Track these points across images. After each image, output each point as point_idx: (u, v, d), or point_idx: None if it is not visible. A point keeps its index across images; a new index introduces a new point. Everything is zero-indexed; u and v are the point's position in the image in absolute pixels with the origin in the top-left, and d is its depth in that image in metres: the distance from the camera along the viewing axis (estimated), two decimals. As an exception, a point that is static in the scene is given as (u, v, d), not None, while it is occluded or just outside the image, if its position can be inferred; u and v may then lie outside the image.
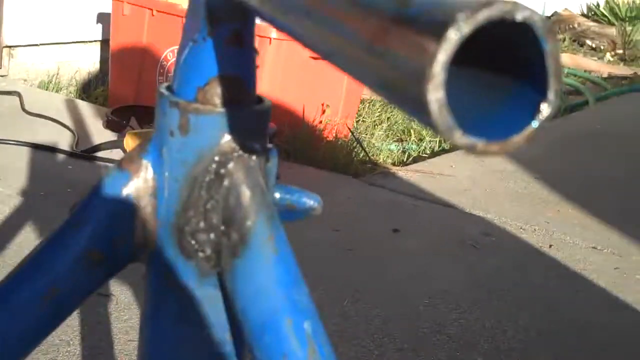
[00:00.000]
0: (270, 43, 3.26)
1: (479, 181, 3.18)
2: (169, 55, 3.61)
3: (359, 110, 3.97)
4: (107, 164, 2.85)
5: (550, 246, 2.56)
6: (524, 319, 2.07)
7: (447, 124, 0.31)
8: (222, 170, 0.65)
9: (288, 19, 0.46)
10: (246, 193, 0.64)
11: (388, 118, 4.12)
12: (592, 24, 7.58)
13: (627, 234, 2.70)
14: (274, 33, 3.24)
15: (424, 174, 3.19)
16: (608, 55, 6.87)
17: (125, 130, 3.19)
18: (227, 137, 0.65)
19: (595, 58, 6.57)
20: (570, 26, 7.52)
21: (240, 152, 0.65)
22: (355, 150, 3.48)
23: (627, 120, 4.45)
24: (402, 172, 3.23)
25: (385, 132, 3.91)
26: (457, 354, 1.89)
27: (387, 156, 3.59)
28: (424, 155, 3.70)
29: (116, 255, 0.68)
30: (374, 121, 4.02)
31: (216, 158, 0.65)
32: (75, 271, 0.67)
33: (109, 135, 3.15)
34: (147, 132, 3.00)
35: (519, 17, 0.29)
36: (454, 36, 0.29)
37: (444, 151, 3.74)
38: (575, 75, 5.61)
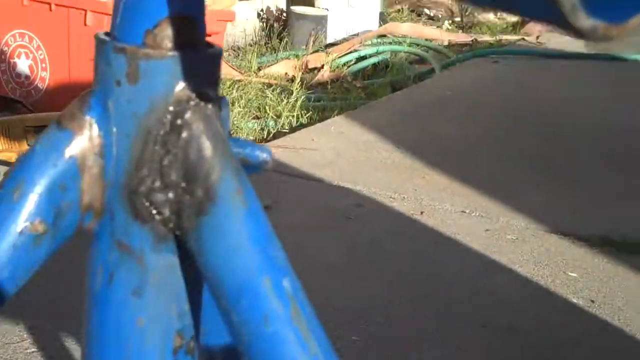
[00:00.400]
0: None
1: (343, 153, 3.18)
2: (10, 39, 3.42)
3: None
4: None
5: (422, 213, 2.60)
6: (407, 286, 2.08)
7: (571, 3, 0.28)
8: (179, 121, 0.59)
9: None
10: (208, 145, 0.58)
11: (241, 97, 4.06)
12: (428, -7, 7.77)
13: (492, 197, 2.77)
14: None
15: (287, 149, 3.16)
16: (446, 24, 7.06)
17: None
18: (181, 84, 0.59)
19: (435, 27, 6.73)
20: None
21: (197, 100, 0.59)
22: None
23: (474, 86, 4.58)
24: (265, 149, 3.18)
25: (243, 109, 3.86)
26: (346, 326, 1.87)
27: (248, 134, 3.54)
28: (283, 130, 3.68)
29: (61, 224, 0.61)
30: (232, 99, 3.95)
31: (170, 108, 0.59)
32: (17, 247, 0.59)
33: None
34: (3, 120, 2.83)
35: None
36: None
37: (302, 126, 3.73)
38: (418, 45, 5.72)
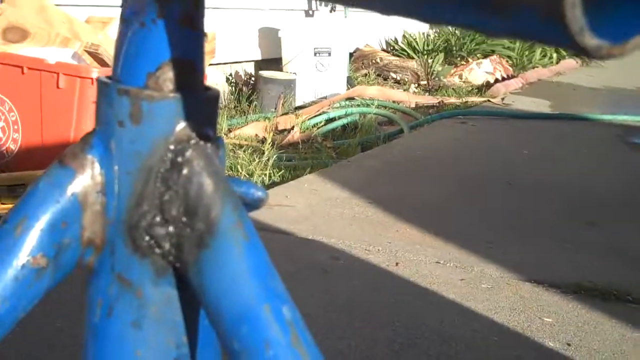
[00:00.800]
0: (92, 84, 3.17)
1: (317, 209, 3.21)
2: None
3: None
4: None
5: (397, 264, 2.62)
6: (385, 336, 2.09)
7: (580, 24, 0.31)
8: (180, 159, 0.61)
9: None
10: (209, 181, 0.61)
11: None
12: (393, 58, 7.90)
13: (465, 248, 2.80)
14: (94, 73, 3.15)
15: (262, 207, 3.18)
16: (413, 87, 7.17)
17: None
18: (182, 124, 0.62)
19: (401, 90, 6.84)
20: (373, 61, 7.80)
21: (197, 139, 0.62)
22: (189, 188, 3.42)
23: (443, 145, 4.65)
24: (239, 206, 3.21)
25: (215, 169, 3.88)
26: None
27: (221, 192, 3.56)
28: (256, 189, 3.70)
29: (62, 259, 0.63)
30: (203, 159, 3.97)
31: (172, 147, 0.62)
32: (18, 280, 0.61)
33: None
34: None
35: None
36: None
37: (274, 184, 3.76)
38: (386, 107, 5.81)
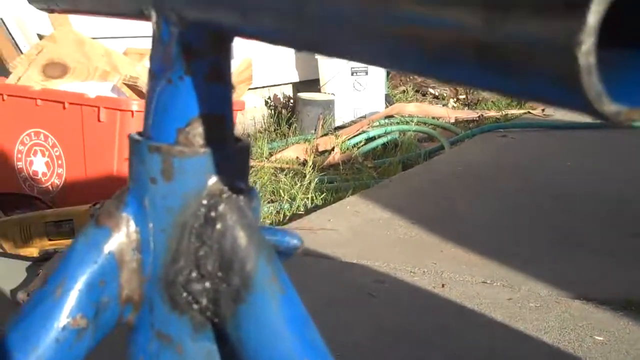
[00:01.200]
0: (133, 116, 3.19)
1: (360, 232, 3.20)
2: (26, 138, 3.48)
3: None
4: (-23, 255, 2.70)
5: (443, 286, 2.60)
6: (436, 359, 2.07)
7: (597, 90, 0.30)
8: (213, 214, 0.61)
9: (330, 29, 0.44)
10: (242, 234, 0.61)
11: (255, 182, 4.10)
12: (432, 74, 7.86)
13: (512, 267, 2.77)
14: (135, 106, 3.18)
15: (305, 230, 3.18)
16: (451, 102, 7.13)
17: (-11, 219, 3.04)
18: (213, 179, 0.62)
19: (440, 105, 6.81)
20: (411, 77, 7.78)
21: (229, 192, 0.62)
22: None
23: (484, 160, 4.62)
24: (282, 232, 3.21)
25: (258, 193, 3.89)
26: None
27: (264, 217, 3.57)
28: (299, 212, 3.70)
29: (102, 319, 0.63)
30: (245, 185, 3.98)
31: (204, 202, 0.62)
32: (59, 341, 0.61)
33: (-26, 227, 2.98)
34: (14, 220, 2.87)
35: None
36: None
37: (317, 207, 3.76)
38: (425, 124, 5.79)
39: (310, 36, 0.47)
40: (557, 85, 0.31)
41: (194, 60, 0.61)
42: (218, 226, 0.61)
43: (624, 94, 0.31)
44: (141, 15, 0.67)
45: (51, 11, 0.88)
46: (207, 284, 0.61)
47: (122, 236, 0.63)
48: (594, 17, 0.29)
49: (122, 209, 0.63)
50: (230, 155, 0.63)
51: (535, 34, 0.31)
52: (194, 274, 0.62)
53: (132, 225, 0.63)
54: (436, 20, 0.36)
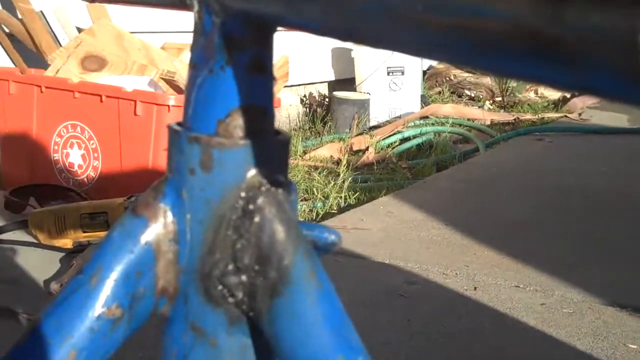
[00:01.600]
0: (169, 111, 3.20)
1: (393, 232, 3.18)
2: (63, 131, 3.50)
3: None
4: (13, 246, 2.72)
5: (475, 288, 2.58)
6: (465, 361, 2.06)
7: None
8: (251, 206, 0.61)
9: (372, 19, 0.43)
10: (280, 228, 0.60)
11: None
12: (467, 74, 7.81)
13: (545, 271, 2.74)
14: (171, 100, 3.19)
15: (338, 229, 3.17)
16: (487, 104, 7.09)
17: (25, 210, 3.07)
18: (253, 171, 0.61)
19: (476, 107, 6.76)
20: (447, 78, 7.73)
21: (268, 185, 0.61)
22: (265, 212, 3.43)
23: (519, 163, 4.58)
24: (315, 230, 3.20)
25: (291, 192, 3.89)
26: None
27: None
28: (332, 211, 3.69)
29: (137, 309, 0.63)
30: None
31: (242, 194, 0.61)
32: (94, 331, 0.61)
33: (10, 217, 3.01)
34: (50, 210, 2.89)
35: None
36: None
37: (350, 207, 3.75)
38: (460, 125, 5.75)
39: (355, 26, 0.46)
40: (618, 78, 0.30)
41: (236, 51, 0.60)
42: (256, 219, 0.60)
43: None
44: (183, 5, 0.66)
45: (92, 0, 0.88)
46: (244, 277, 0.61)
47: (159, 226, 0.62)
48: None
49: (160, 199, 0.63)
50: (270, 148, 0.62)
51: (598, 25, 0.30)
52: (230, 267, 0.61)
53: (170, 216, 0.62)
54: (490, 10, 0.35)
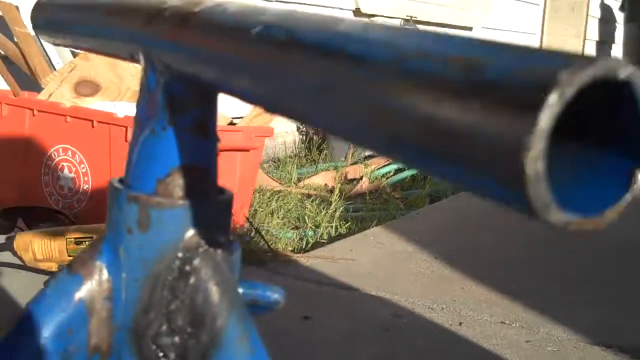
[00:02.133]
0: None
1: (381, 264, 3.17)
2: (54, 154, 3.50)
3: (251, 200, 3.94)
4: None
5: (461, 324, 2.56)
6: (445, 401, 2.04)
7: (544, 199, 0.28)
8: (187, 268, 0.60)
9: (292, 99, 0.43)
10: (215, 291, 0.59)
11: (280, 207, 4.09)
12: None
13: (531, 308, 2.72)
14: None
15: (326, 260, 3.16)
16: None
17: (13, 232, 3.06)
18: (191, 232, 0.60)
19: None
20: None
21: (206, 246, 0.60)
22: (255, 239, 3.43)
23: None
24: (303, 259, 3.19)
25: (282, 220, 3.88)
26: None
27: (286, 244, 3.55)
28: (322, 241, 3.68)
29: (69, 368, 0.62)
30: (272, 210, 3.98)
31: (179, 254, 0.60)
32: (25, 389, 0.60)
33: (-3, 239, 3.00)
34: (36, 233, 2.88)
35: (622, 75, 0.27)
36: (556, 100, 0.26)
37: (340, 236, 3.73)
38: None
39: (279, 102, 0.45)
40: (502, 186, 0.29)
41: (178, 111, 0.60)
42: (191, 280, 0.60)
43: (576, 202, 0.29)
44: (132, 59, 0.66)
45: (55, 44, 0.87)
46: (177, 339, 0.60)
47: (94, 284, 0.62)
48: (546, 120, 0.27)
49: (97, 257, 0.62)
50: (211, 208, 0.62)
51: (484, 128, 0.29)
52: (164, 327, 0.60)
53: (105, 274, 0.62)
54: (393, 102, 0.35)
